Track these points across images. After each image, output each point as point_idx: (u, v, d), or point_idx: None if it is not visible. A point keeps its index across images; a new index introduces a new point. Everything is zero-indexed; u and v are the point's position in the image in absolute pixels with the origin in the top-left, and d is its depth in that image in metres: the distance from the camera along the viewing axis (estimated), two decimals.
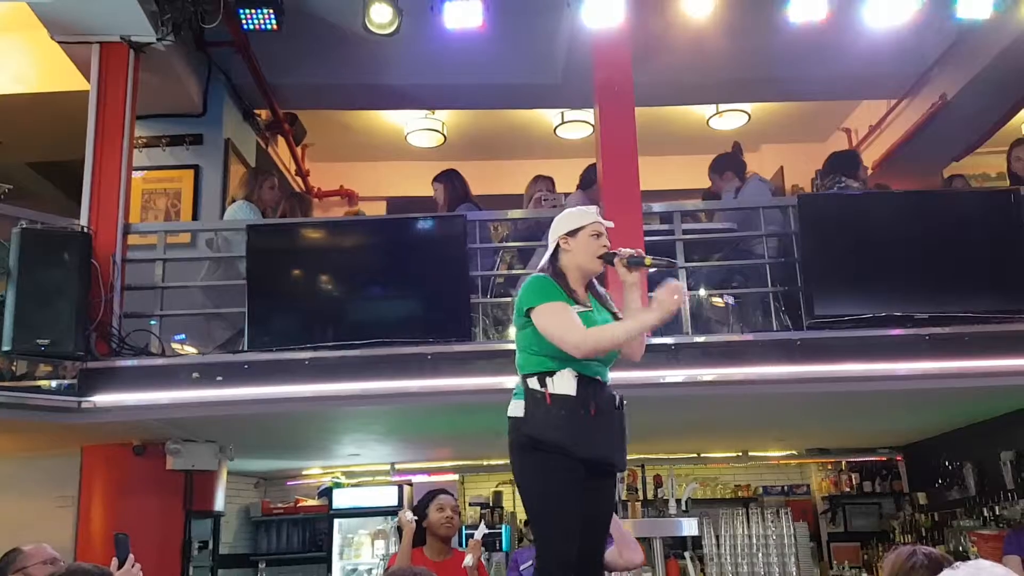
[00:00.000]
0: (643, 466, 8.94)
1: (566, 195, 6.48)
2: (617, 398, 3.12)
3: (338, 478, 8.96)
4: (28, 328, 5.07)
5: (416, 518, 4.08)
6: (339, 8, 6.57)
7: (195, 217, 6.99)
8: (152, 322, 5.71)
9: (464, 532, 8.96)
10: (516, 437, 3.05)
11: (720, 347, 5.49)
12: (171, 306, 5.80)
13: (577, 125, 8.78)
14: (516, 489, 3.17)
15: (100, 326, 5.37)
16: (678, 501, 5.33)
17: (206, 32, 6.58)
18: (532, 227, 6.35)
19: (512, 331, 3.31)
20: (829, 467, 9.63)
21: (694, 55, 6.82)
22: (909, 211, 5.87)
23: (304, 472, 9.13)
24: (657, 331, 5.54)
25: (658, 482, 9.03)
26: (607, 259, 3.18)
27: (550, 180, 6.56)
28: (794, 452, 9.21)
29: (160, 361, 5.51)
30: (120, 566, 3.01)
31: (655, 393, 5.39)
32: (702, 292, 6.14)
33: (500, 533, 8.72)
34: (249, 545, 8.55)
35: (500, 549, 8.62)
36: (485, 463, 8.68)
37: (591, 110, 7.08)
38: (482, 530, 4.27)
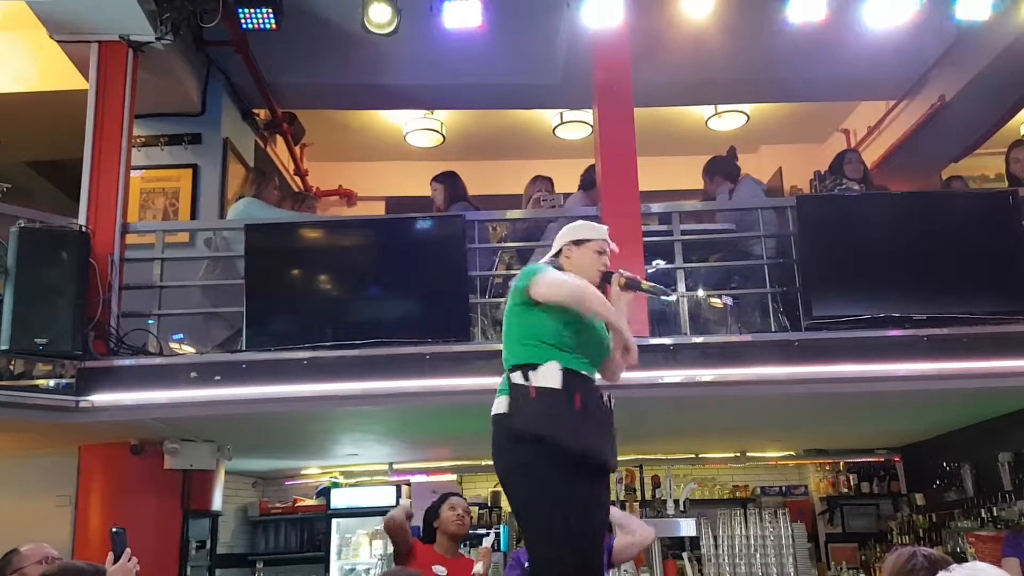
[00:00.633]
0: (641, 466, 8.93)
1: (565, 195, 6.49)
2: (605, 397, 3.10)
3: (336, 478, 8.96)
4: (26, 327, 5.07)
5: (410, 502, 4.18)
6: (338, 8, 6.56)
7: (193, 216, 6.98)
8: (150, 321, 5.70)
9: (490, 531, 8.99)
10: (501, 434, 3.00)
11: (718, 348, 5.49)
12: (169, 305, 5.80)
13: (576, 125, 8.78)
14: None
15: (98, 325, 5.37)
16: (676, 501, 5.33)
17: (205, 31, 6.58)
18: (531, 227, 6.35)
19: None
20: (827, 468, 9.63)
21: (693, 56, 6.83)
22: (907, 212, 5.88)
23: (302, 472, 9.12)
24: (655, 332, 5.57)
25: (656, 482, 9.03)
26: (606, 278, 3.27)
27: (549, 180, 6.56)
28: (792, 453, 9.20)
29: (158, 361, 5.50)
30: (116, 560, 3.00)
31: (653, 393, 5.40)
32: (700, 293, 6.15)
33: (499, 533, 8.72)
34: (247, 545, 8.55)
35: (498, 549, 8.61)
36: (483, 463, 8.67)
37: (590, 110, 7.08)
38: (491, 538, 4.33)
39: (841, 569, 8.79)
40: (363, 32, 6.13)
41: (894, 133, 8.01)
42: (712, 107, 8.66)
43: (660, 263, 5.92)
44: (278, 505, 8.74)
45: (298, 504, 8.76)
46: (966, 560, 6.79)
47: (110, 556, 3.01)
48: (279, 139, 8.46)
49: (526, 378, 2.98)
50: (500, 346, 3.18)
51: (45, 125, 7.13)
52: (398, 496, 8.33)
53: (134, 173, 6.33)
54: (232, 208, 6.42)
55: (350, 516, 8.45)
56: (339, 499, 8.52)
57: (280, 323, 5.55)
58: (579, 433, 2.94)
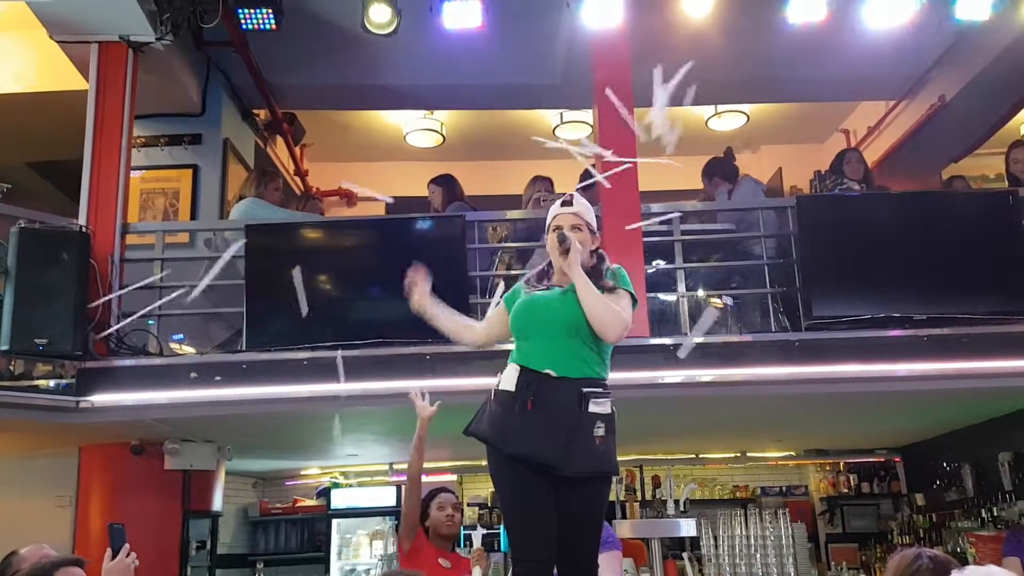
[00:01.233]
0: (641, 467, 8.94)
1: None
2: (580, 397, 2.93)
3: (336, 478, 8.96)
4: (26, 328, 5.07)
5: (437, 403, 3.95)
6: (338, 8, 6.56)
7: (193, 217, 6.99)
8: (150, 322, 5.70)
9: (463, 531, 8.98)
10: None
11: (718, 348, 5.48)
12: (169, 306, 5.79)
13: (576, 125, 8.78)
14: None
15: (98, 326, 5.37)
16: (676, 502, 5.31)
17: (205, 32, 6.58)
18: (531, 228, 6.35)
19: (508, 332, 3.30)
20: (827, 468, 9.63)
21: (693, 56, 6.79)
22: (907, 212, 5.87)
23: (302, 472, 9.12)
24: (656, 331, 5.57)
25: (656, 483, 9.03)
26: (565, 248, 3.09)
27: (549, 181, 6.56)
28: (792, 453, 9.21)
29: (158, 361, 5.50)
30: (114, 556, 2.98)
31: (653, 394, 5.39)
32: (701, 293, 6.14)
33: (498, 533, 8.72)
34: (247, 545, 8.55)
35: (498, 549, 8.61)
36: (483, 463, 8.65)
37: (590, 110, 7.08)
38: (480, 534, 4.22)
39: (841, 569, 8.79)
40: (363, 32, 6.13)
41: (894, 133, 8.01)
42: (712, 107, 8.66)
43: (660, 263, 5.92)
44: (278, 505, 8.74)
45: (298, 504, 8.76)
46: (967, 561, 6.80)
47: (108, 552, 2.99)
48: (279, 139, 8.46)
49: (497, 379, 3.08)
50: (499, 346, 3.19)
51: (45, 125, 7.13)
52: (398, 497, 8.31)
53: (134, 173, 6.33)
54: (234, 208, 6.42)
55: (350, 516, 8.45)
56: (339, 499, 8.52)
57: (280, 323, 5.54)
58: (520, 437, 2.91)
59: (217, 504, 6.72)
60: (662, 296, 5.92)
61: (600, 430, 2.94)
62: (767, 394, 5.61)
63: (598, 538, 3.08)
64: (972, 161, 8.29)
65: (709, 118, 8.80)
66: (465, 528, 8.63)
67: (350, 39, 6.68)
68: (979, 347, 5.36)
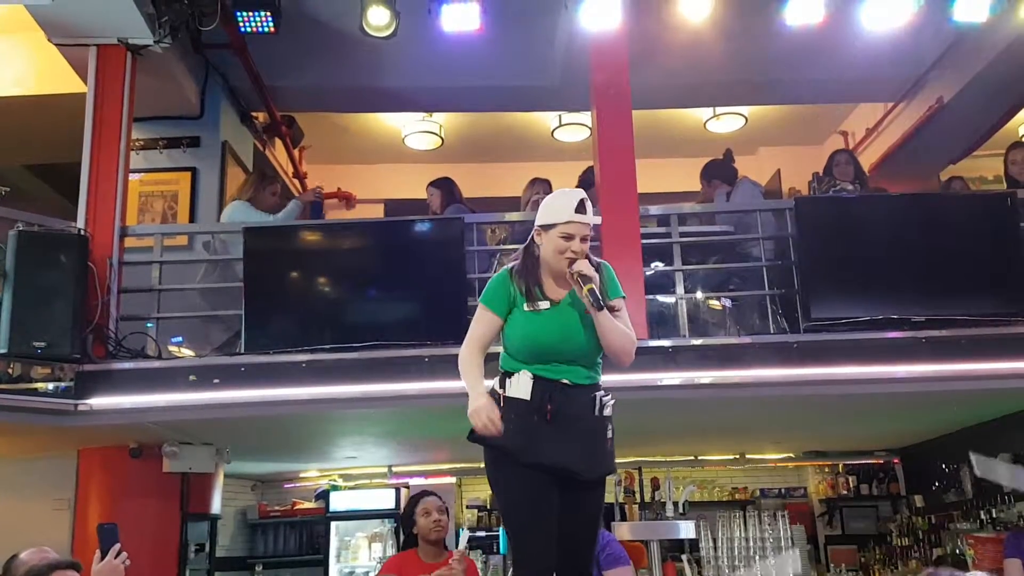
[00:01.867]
0: (640, 469, 8.94)
1: None
2: (597, 403, 2.94)
3: (335, 481, 8.95)
4: (25, 330, 5.06)
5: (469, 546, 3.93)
6: (337, 11, 6.57)
7: (192, 220, 6.98)
8: (149, 325, 5.70)
9: (461, 534, 8.97)
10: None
11: (717, 350, 5.49)
12: (168, 308, 5.80)
13: (574, 128, 8.78)
14: None
15: (97, 329, 5.37)
16: (675, 504, 5.30)
17: (203, 34, 6.57)
18: (530, 230, 6.33)
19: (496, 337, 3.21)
20: (826, 470, 9.64)
21: (691, 58, 6.83)
22: (906, 214, 5.87)
23: (301, 475, 9.12)
24: (654, 334, 5.57)
25: (655, 485, 9.04)
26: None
27: (547, 183, 6.56)
28: (791, 455, 9.21)
29: (157, 364, 5.50)
30: (103, 556, 2.96)
31: (652, 396, 5.39)
32: (699, 295, 6.15)
33: (497, 536, 8.71)
34: (246, 548, 8.54)
35: (498, 552, 8.61)
36: (482, 466, 8.65)
37: (589, 113, 7.08)
38: (466, 536, 4.16)
39: (840, 571, 8.81)
40: (362, 35, 6.13)
41: (892, 135, 8.02)
42: (710, 109, 8.67)
43: (659, 265, 5.92)
44: (277, 508, 8.74)
45: (297, 507, 8.75)
46: (966, 563, 6.80)
47: (97, 554, 2.97)
48: (278, 142, 8.46)
49: (502, 385, 2.97)
50: (498, 348, 3.16)
51: (44, 128, 7.13)
52: (397, 498, 8.30)
53: (132, 176, 6.33)
54: (224, 211, 6.45)
55: (349, 519, 8.44)
56: (338, 502, 8.51)
57: (279, 326, 5.55)
58: (542, 447, 2.84)
59: (216, 507, 6.71)
60: (661, 298, 5.92)
61: (610, 432, 3.00)
62: (766, 396, 5.61)
63: (597, 538, 3.11)
64: (970, 163, 8.29)
65: (707, 120, 8.80)
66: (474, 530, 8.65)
67: (348, 42, 6.69)
68: (977, 349, 5.36)
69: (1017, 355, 5.37)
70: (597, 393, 2.97)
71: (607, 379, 3.11)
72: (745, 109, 8.68)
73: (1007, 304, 5.47)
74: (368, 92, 7.64)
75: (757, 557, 6.92)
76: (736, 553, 7.05)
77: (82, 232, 5.51)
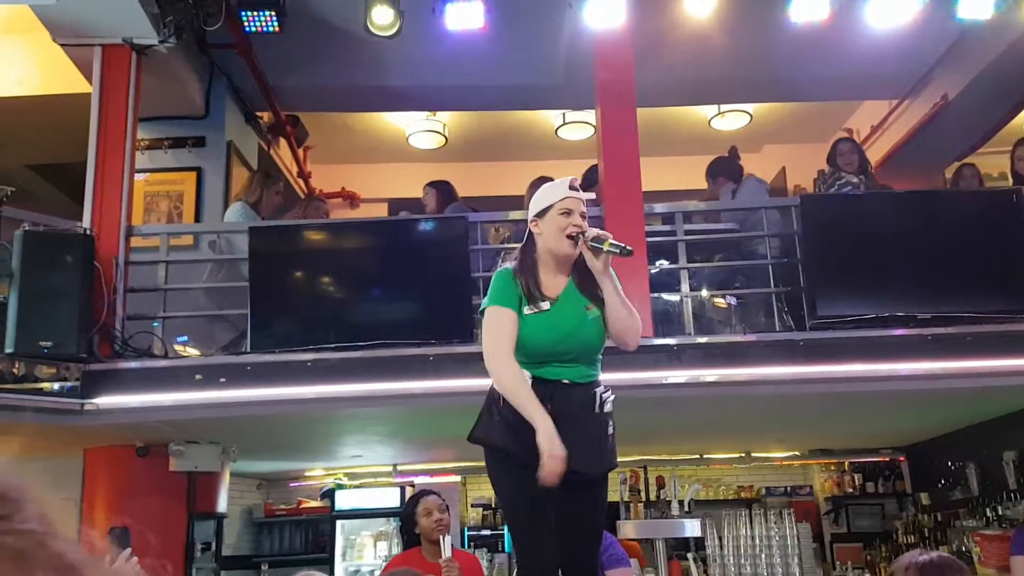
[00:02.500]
0: (645, 467, 8.92)
1: None
2: (597, 400, 2.92)
3: (340, 479, 8.96)
4: (31, 330, 5.08)
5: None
6: (341, 10, 6.57)
7: (197, 219, 7.00)
8: (155, 324, 5.71)
9: (467, 533, 8.99)
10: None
11: (722, 348, 5.48)
12: (174, 308, 5.81)
13: (578, 126, 8.78)
14: None
15: (103, 328, 5.38)
16: (681, 502, 5.31)
17: (208, 34, 6.59)
18: None
19: None
20: (832, 468, 9.61)
21: (695, 55, 6.83)
22: (911, 211, 5.87)
23: (307, 473, 9.13)
24: (659, 332, 5.57)
25: (660, 483, 9.01)
26: (576, 239, 2.89)
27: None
28: (797, 453, 9.19)
29: (163, 363, 5.51)
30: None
31: (657, 394, 5.38)
32: (704, 293, 6.14)
33: (502, 534, 8.72)
34: (252, 547, 8.55)
35: (503, 551, 8.62)
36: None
37: (592, 111, 7.08)
38: (449, 541, 4.11)
39: (846, 569, 8.77)
40: (366, 34, 6.13)
41: (897, 132, 8.00)
42: (715, 107, 8.66)
43: (663, 263, 5.92)
44: (283, 507, 8.75)
45: (303, 506, 8.77)
46: (972, 560, 6.79)
47: (108, 558, 2.98)
48: (282, 142, 8.47)
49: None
50: None
51: (49, 128, 7.15)
52: (402, 497, 8.31)
53: (138, 176, 6.33)
54: (227, 212, 6.47)
55: (354, 518, 8.45)
56: (343, 501, 8.52)
57: (284, 325, 5.56)
58: (533, 444, 2.73)
59: (222, 505, 6.73)
60: (666, 296, 5.92)
61: (611, 428, 2.98)
62: (771, 394, 5.61)
63: (602, 535, 3.13)
64: (976, 159, 8.22)
65: (712, 118, 8.79)
66: (468, 529, 8.67)
67: (353, 41, 6.69)
68: (984, 346, 5.34)
69: (1022, 352, 5.36)
70: (597, 390, 2.96)
71: (612, 378, 3.10)
72: (750, 107, 8.67)
73: (1013, 301, 5.46)
74: (372, 91, 7.65)
75: (763, 555, 6.91)
76: (742, 551, 7.05)
77: (87, 232, 5.52)
